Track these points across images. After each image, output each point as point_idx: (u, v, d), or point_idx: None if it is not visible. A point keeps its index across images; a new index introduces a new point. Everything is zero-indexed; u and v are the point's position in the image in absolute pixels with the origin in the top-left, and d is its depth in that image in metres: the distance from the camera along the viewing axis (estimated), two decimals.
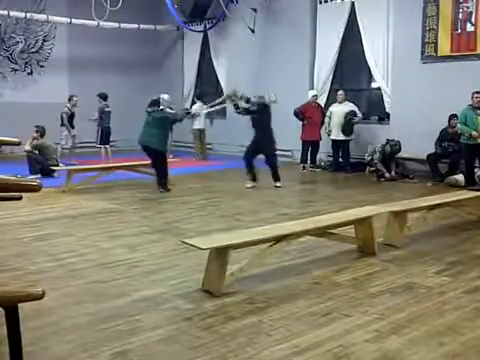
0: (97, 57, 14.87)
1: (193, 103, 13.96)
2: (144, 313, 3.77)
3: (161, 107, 9.14)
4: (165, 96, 9.49)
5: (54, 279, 4.48)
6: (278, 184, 9.23)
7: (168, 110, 9.29)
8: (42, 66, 14.61)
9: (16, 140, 2.71)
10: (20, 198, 2.77)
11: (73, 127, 11.86)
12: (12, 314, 2.43)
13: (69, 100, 11.89)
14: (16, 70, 14.28)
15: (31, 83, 14.30)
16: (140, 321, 3.64)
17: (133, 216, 7.04)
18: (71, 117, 11.83)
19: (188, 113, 9.65)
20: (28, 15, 13.38)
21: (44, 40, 14.64)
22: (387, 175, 10.07)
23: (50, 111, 11.74)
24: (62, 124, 11.76)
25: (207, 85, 15.52)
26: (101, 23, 13.31)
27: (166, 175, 8.98)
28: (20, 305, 2.46)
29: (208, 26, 14.74)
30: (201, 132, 13.37)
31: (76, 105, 11.86)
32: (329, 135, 11.46)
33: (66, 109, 11.76)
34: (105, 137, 11.99)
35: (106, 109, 11.94)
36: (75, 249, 5.39)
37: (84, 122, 11.83)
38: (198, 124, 13.21)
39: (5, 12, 13.00)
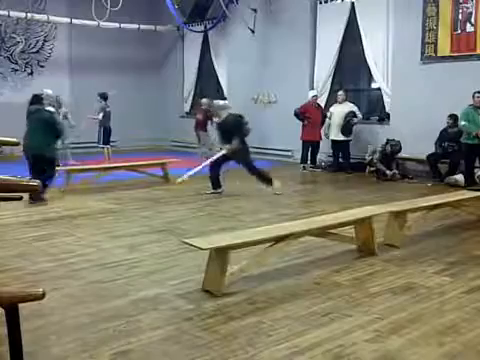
0: (97, 57, 14.87)
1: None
2: (144, 313, 3.78)
3: (50, 108, 7.90)
4: (49, 91, 8.15)
5: (54, 279, 4.48)
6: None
7: (51, 109, 7.96)
8: (42, 66, 14.61)
9: (16, 140, 2.72)
10: (20, 198, 2.78)
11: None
12: (13, 314, 2.43)
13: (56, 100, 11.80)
14: (16, 70, 14.27)
15: (31, 83, 14.30)
16: (140, 321, 3.64)
17: (133, 216, 7.04)
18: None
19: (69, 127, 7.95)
20: (29, 15, 13.38)
21: (44, 40, 14.64)
22: (388, 172, 10.09)
23: None
24: None
25: (207, 85, 15.52)
26: (101, 23, 13.31)
27: (50, 182, 7.68)
28: (20, 305, 2.46)
29: (208, 26, 14.74)
30: None
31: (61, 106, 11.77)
32: (327, 137, 11.46)
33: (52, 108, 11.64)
34: (108, 137, 11.94)
35: (107, 109, 11.91)
36: (75, 249, 5.39)
37: (94, 123, 11.76)
38: None
39: (5, 12, 13.00)
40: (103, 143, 11.92)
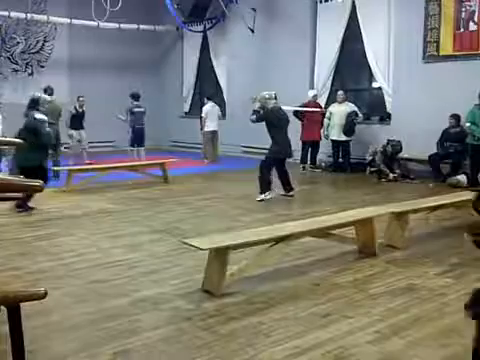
0: (97, 57, 14.87)
1: (203, 104, 13.51)
2: (144, 313, 3.77)
3: (39, 115, 7.21)
4: (47, 97, 7.46)
5: (55, 279, 4.48)
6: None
7: (41, 116, 7.26)
8: (43, 67, 14.62)
9: (17, 141, 2.72)
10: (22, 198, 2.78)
11: (83, 128, 11.73)
12: (14, 313, 2.43)
13: (77, 100, 11.77)
14: (17, 71, 14.28)
15: (32, 84, 14.27)
16: (140, 321, 3.63)
17: (133, 216, 7.03)
18: (76, 117, 11.66)
19: (55, 144, 6.89)
20: (29, 16, 13.38)
21: (44, 41, 14.64)
22: (391, 175, 10.05)
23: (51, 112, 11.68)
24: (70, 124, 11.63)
25: (207, 85, 15.51)
26: (101, 24, 13.32)
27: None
28: (21, 304, 2.46)
29: (208, 26, 14.74)
30: (214, 134, 12.96)
31: (82, 106, 11.74)
32: (327, 138, 11.42)
33: (72, 108, 11.62)
34: (136, 138, 11.89)
35: (135, 109, 11.80)
36: (75, 249, 5.39)
37: (94, 123, 11.75)
38: (211, 126, 12.83)
39: (6, 13, 13.01)
40: (130, 144, 11.93)
